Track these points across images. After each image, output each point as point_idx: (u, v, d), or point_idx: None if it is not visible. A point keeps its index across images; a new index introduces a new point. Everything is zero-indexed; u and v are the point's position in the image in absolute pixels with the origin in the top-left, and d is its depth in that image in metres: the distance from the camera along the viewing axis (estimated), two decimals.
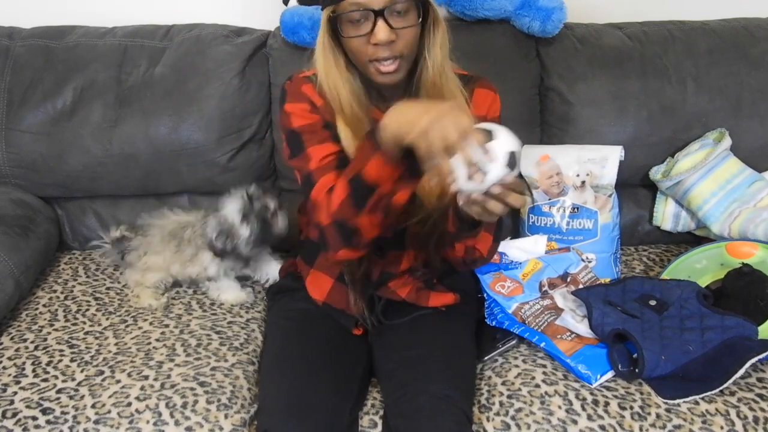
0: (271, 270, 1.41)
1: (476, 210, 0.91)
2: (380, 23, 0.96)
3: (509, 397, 1.11)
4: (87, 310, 1.36)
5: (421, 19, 1.00)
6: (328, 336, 1.17)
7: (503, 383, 1.14)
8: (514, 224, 1.57)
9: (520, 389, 1.12)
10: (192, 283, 1.43)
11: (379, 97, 1.11)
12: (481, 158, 0.84)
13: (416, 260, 1.19)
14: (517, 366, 1.17)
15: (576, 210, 1.46)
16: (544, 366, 1.16)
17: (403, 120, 0.89)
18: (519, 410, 1.08)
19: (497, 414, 1.09)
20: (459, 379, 1.09)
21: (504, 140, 0.86)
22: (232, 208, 1.32)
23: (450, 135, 0.84)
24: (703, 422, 1.05)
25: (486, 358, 1.20)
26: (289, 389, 1.06)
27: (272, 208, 1.34)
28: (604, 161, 1.46)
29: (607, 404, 1.08)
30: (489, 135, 0.86)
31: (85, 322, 1.32)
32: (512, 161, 0.86)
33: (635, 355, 1.12)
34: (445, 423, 1.01)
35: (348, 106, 1.05)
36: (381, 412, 1.11)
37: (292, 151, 1.09)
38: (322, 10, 1.02)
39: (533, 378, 1.14)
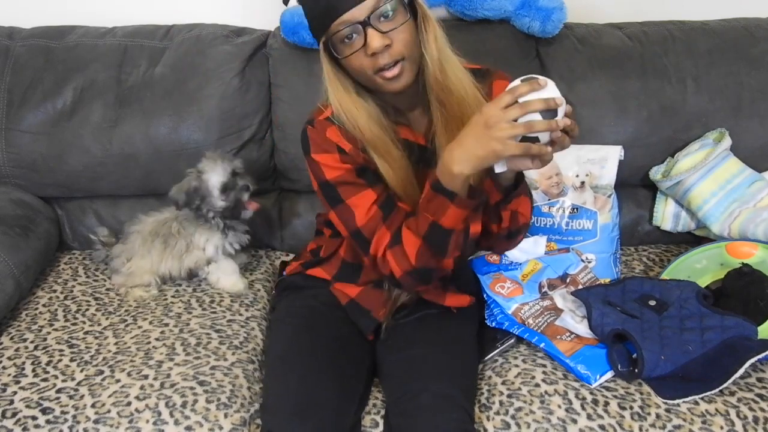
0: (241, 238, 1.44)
1: (543, 157, 0.90)
2: (370, 32, 0.96)
3: (509, 396, 1.11)
4: (87, 309, 1.36)
5: (412, 18, 1.00)
6: (334, 335, 1.16)
7: (503, 383, 1.14)
8: None
9: (520, 389, 1.12)
10: (189, 276, 1.44)
11: (396, 113, 1.10)
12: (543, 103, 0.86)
13: None
14: (516, 365, 1.17)
15: (575, 210, 1.46)
16: (544, 365, 1.16)
17: (470, 157, 0.91)
18: (519, 409, 1.08)
19: (497, 413, 1.09)
20: (461, 378, 1.09)
21: (543, 78, 0.88)
22: (216, 178, 1.34)
23: (515, 128, 0.86)
24: (703, 422, 1.05)
25: (486, 358, 1.21)
26: (295, 389, 1.05)
27: (249, 190, 1.37)
28: (603, 161, 1.46)
29: (606, 404, 1.08)
30: (529, 82, 0.87)
31: (84, 322, 1.32)
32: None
33: (635, 355, 1.12)
34: (447, 422, 1.01)
35: (368, 131, 1.04)
36: (382, 412, 1.12)
37: (328, 201, 1.09)
38: (318, 43, 1.02)
39: (533, 377, 1.14)
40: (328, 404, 1.04)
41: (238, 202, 1.36)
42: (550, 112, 0.86)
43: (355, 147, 1.07)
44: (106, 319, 1.33)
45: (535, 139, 0.88)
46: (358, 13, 0.95)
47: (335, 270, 1.24)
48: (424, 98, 1.08)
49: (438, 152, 1.07)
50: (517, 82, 0.89)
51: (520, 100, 0.86)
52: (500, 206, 1.06)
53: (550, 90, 0.87)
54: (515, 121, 0.86)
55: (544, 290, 1.32)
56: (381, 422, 1.10)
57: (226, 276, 1.40)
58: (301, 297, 1.24)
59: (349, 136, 1.06)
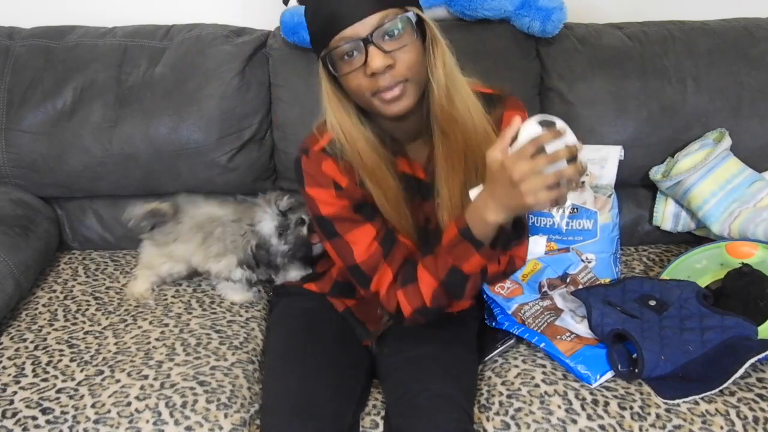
0: (290, 274, 1.38)
1: (559, 194, 0.86)
2: (372, 50, 0.89)
3: (509, 396, 1.11)
4: (86, 309, 1.36)
5: (421, 38, 0.94)
6: (333, 337, 1.16)
7: (503, 383, 1.14)
8: None
9: (519, 389, 1.12)
10: (207, 276, 1.44)
11: (394, 143, 1.05)
12: (562, 145, 0.84)
13: None
14: (516, 366, 1.17)
15: (575, 210, 1.46)
16: (544, 366, 1.16)
17: (504, 207, 0.89)
18: (519, 410, 1.08)
19: (497, 414, 1.09)
20: (460, 379, 1.09)
21: (556, 119, 0.86)
22: (267, 225, 1.32)
23: (546, 179, 0.83)
24: (703, 422, 1.05)
25: (486, 358, 1.21)
26: (294, 390, 1.05)
27: (305, 223, 1.33)
28: (603, 161, 1.46)
29: (606, 404, 1.08)
30: (547, 124, 0.86)
31: (84, 322, 1.32)
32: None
33: (635, 356, 1.12)
34: (446, 422, 1.01)
35: (367, 158, 0.99)
36: (382, 413, 1.12)
37: (324, 234, 1.06)
38: (318, 59, 0.96)
39: (533, 378, 1.14)
40: (326, 405, 1.04)
41: (301, 240, 1.32)
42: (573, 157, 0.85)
43: (353, 181, 1.02)
44: (106, 319, 1.33)
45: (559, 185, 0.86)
46: (360, 29, 0.89)
47: (328, 287, 1.25)
48: (426, 127, 1.02)
49: (436, 185, 1.03)
50: (534, 125, 0.86)
51: (547, 148, 0.84)
52: (497, 252, 1.04)
53: (569, 134, 0.85)
54: (547, 158, 0.84)
55: (544, 290, 1.32)
56: (381, 423, 1.10)
57: (236, 294, 1.39)
58: (299, 300, 1.24)
59: (347, 168, 1.02)
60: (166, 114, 1.50)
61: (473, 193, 0.93)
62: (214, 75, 1.51)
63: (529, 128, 0.86)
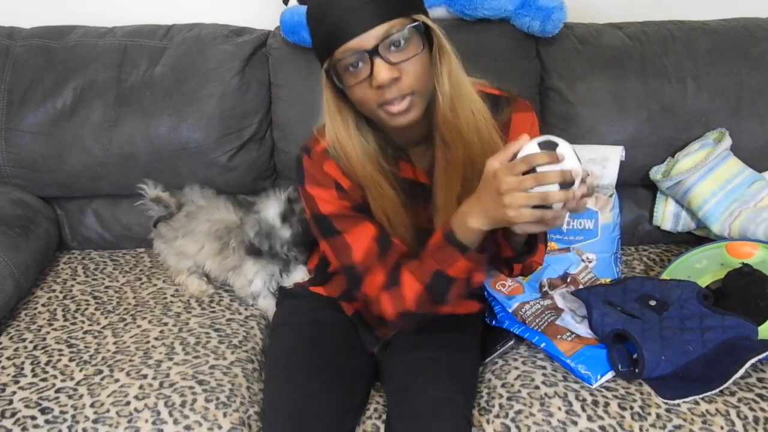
0: (295, 275, 1.37)
1: (559, 217, 0.87)
2: (378, 63, 0.86)
3: (509, 399, 1.11)
4: (86, 309, 1.36)
5: (427, 48, 0.91)
6: (337, 345, 1.15)
7: (503, 385, 1.14)
8: None
9: (519, 391, 1.12)
10: (223, 283, 1.43)
11: (396, 148, 1.03)
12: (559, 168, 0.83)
13: None
14: (516, 368, 1.17)
15: None
16: (544, 367, 1.16)
17: (486, 214, 0.88)
18: (519, 412, 1.08)
19: (497, 416, 1.08)
20: (461, 383, 1.09)
21: (561, 142, 0.85)
22: (272, 210, 1.30)
23: (529, 199, 0.83)
24: (703, 422, 1.05)
25: (486, 360, 1.20)
26: (294, 397, 1.05)
27: None
28: (604, 161, 1.45)
29: (607, 405, 1.08)
30: (548, 145, 0.85)
31: (84, 322, 1.32)
32: (574, 153, 0.85)
33: (635, 356, 1.12)
34: (446, 426, 1.01)
35: (361, 170, 0.98)
36: (384, 416, 1.12)
37: (322, 232, 1.04)
38: (321, 67, 0.94)
39: (533, 380, 1.13)
40: (326, 413, 1.03)
41: (305, 226, 1.28)
42: (567, 183, 0.84)
43: (354, 184, 1.01)
44: (105, 318, 1.33)
45: (549, 207, 0.85)
46: (365, 41, 0.86)
47: (337, 292, 1.22)
48: (429, 132, 1.00)
49: (434, 190, 1.03)
50: (533, 145, 0.85)
51: (538, 169, 0.83)
52: (511, 262, 1.03)
53: (568, 160, 0.84)
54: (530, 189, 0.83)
55: (544, 290, 1.31)
56: (382, 427, 1.10)
57: (265, 303, 1.38)
58: (302, 304, 1.23)
59: (347, 171, 1.01)
60: (166, 114, 1.50)
61: None
62: (214, 75, 1.51)
63: (528, 148, 0.85)
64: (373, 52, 0.86)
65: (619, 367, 1.12)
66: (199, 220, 1.39)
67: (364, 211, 1.03)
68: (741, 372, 1.08)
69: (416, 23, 0.88)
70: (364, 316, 1.19)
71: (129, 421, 1.06)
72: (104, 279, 1.48)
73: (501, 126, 1.01)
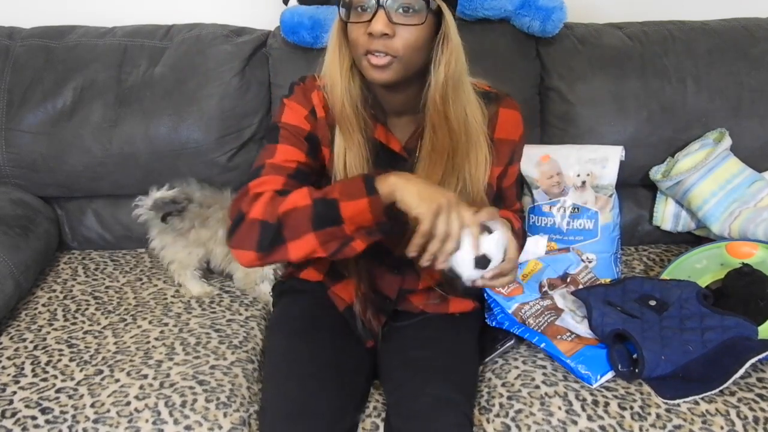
0: None
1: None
2: (380, 13, 0.93)
3: (509, 398, 1.11)
4: (86, 309, 1.36)
5: (433, 30, 0.97)
6: (333, 338, 1.16)
7: (503, 384, 1.14)
8: None
9: (520, 390, 1.12)
10: (221, 272, 1.45)
11: (378, 109, 1.08)
12: (472, 250, 0.93)
13: (435, 277, 1.18)
14: (516, 367, 1.17)
15: (576, 210, 1.46)
16: (544, 367, 1.16)
17: (419, 193, 0.92)
18: (519, 411, 1.08)
19: (497, 415, 1.08)
20: (461, 382, 1.09)
21: (497, 239, 0.94)
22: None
23: (453, 228, 0.90)
24: (703, 422, 1.05)
25: (486, 359, 1.20)
26: (292, 392, 1.05)
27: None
28: (604, 161, 1.46)
29: (607, 404, 1.08)
30: (485, 229, 0.94)
31: (84, 322, 1.32)
32: (483, 263, 0.94)
33: (635, 356, 1.12)
34: (447, 425, 1.01)
35: (340, 105, 1.03)
36: (383, 415, 1.11)
37: (267, 140, 1.10)
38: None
39: (533, 379, 1.13)
40: (325, 407, 1.03)
41: None
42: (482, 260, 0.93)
43: (327, 118, 1.07)
44: (106, 318, 1.33)
45: (458, 276, 0.95)
46: None
47: (325, 267, 1.23)
48: (414, 108, 1.05)
49: (417, 171, 1.06)
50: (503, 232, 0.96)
51: (464, 237, 0.92)
52: (379, 230, 1.04)
53: (488, 241, 0.93)
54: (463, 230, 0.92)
55: (544, 290, 1.31)
56: (381, 425, 1.10)
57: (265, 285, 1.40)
58: (298, 302, 1.23)
59: (330, 103, 1.06)
60: (165, 114, 1.50)
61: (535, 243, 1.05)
62: (214, 75, 1.51)
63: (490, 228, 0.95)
64: (380, 3, 0.93)
65: (619, 367, 1.12)
66: (214, 208, 1.40)
67: (311, 146, 1.07)
68: (741, 372, 1.08)
69: (429, 1, 0.95)
70: (356, 311, 1.19)
71: (129, 421, 1.06)
72: (104, 279, 1.48)
73: (487, 119, 1.08)
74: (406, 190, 0.93)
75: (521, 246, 1.16)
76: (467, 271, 0.94)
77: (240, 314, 1.34)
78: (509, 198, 1.21)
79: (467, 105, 1.03)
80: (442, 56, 0.98)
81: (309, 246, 0.96)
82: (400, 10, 0.94)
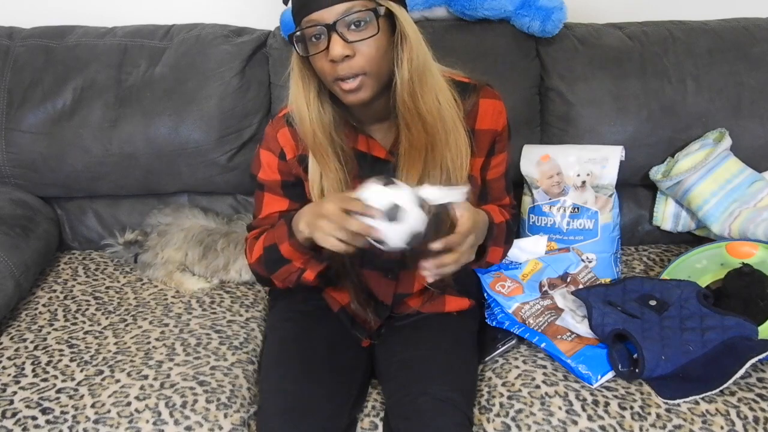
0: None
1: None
2: (334, 37, 0.92)
3: (509, 398, 1.11)
4: (86, 309, 1.36)
5: (390, 32, 0.96)
6: (328, 339, 1.16)
7: (503, 384, 1.14)
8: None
9: (520, 390, 1.12)
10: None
11: (357, 122, 1.07)
12: (369, 222, 0.89)
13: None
14: (517, 367, 1.17)
15: (576, 210, 1.46)
16: (544, 367, 1.16)
17: (307, 223, 0.97)
18: (519, 411, 1.08)
19: (497, 415, 1.08)
20: (460, 381, 1.09)
21: (377, 195, 0.89)
22: None
23: (329, 211, 0.91)
24: (703, 422, 1.05)
25: (486, 359, 1.20)
26: (290, 391, 1.05)
27: None
28: (604, 161, 1.46)
29: (607, 404, 1.08)
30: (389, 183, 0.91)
31: (84, 322, 1.32)
32: (395, 213, 0.88)
33: (635, 355, 1.12)
34: (446, 425, 1.01)
35: (311, 136, 1.02)
36: (381, 414, 1.11)
37: (255, 187, 1.16)
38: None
39: (533, 379, 1.14)
40: (322, 406, 1.03)
41: None
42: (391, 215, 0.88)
43: (299, 156, 1.09)
44: (106, 318, 1.33)
45: (385, 243, 0.90)
46: (327, 15, 0.92)
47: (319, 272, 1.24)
48: (391, 114, 1.04)
49: (398, 174, 1.05)
50: (378, 186, 0.91)
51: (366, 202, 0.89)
52: (306, 259, 1.07)
53: (390, 193, 0.89)
54: (340, 217, 0.90)
55: (544, 290, 1.31)
56: (380, 425, 1.10)
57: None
58: (294, 302, 1.23)
59: (298, 139, 1.07)
60: (166, 114, 1.50)
61: (427, 191, 0.94)
62: (214, 75, 1.51)
63: (373, 187, 0.90)
64: (332, 27, 0.92)
65: (619, 367, 1.12)
66: (171, 233, 1.46)
67: (289, 191, 1.12)
68: (741, 372, 1.09)
69: (379, 8, 0.94)
70: (349, 312, 1.19)
71: (130, 422, 1.06)
72: (105, 279, 1.48)
73: (467, 112, 1.06)
74: (302, 225, 0.98)
75: (507, 238, 1.15)
76: (389, 233, 0.88)
77: (240, 315, 1.34)
78: (496, 191, 1.17)
79: (438, 93, 1.01)
80: (403, 54, 0.96)
81: (278, 281, 1.10)
82: (353, 27, 0.93)
